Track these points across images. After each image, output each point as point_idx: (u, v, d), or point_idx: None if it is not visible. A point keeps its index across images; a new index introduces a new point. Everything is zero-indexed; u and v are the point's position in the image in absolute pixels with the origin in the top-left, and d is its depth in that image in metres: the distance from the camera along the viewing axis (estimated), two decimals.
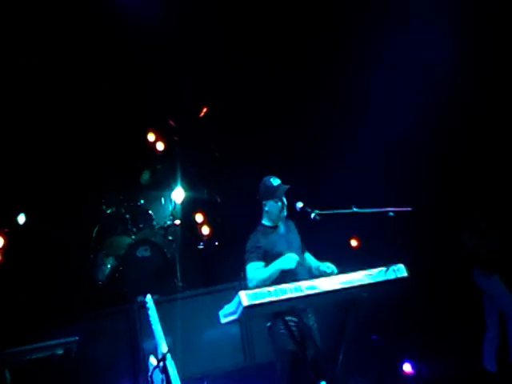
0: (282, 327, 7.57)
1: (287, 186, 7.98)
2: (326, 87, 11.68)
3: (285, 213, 8.01)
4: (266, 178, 8.04)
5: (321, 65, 11.66)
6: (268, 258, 7.85)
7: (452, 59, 10.54)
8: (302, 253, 8.01)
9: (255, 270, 7.66)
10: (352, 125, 11.26)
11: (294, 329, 7.44)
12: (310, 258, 8.11)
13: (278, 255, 7.74)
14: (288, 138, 11.92)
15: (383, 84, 10.89)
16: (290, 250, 7.80)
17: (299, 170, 11.43)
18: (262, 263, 7.69)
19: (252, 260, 7.73)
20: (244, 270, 7.81)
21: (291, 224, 8.18)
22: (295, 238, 8.03)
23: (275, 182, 7.98)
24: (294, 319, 7.48)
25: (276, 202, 8.02)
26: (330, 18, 11.48)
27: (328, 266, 7.71)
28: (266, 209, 8.07)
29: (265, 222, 8.09)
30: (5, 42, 10.81)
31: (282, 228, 8.08)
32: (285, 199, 8.00)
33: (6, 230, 10.88)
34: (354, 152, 11.25)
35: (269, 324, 7.67)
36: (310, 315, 7.70)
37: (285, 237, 7.99)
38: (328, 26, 11.52)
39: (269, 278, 7.43)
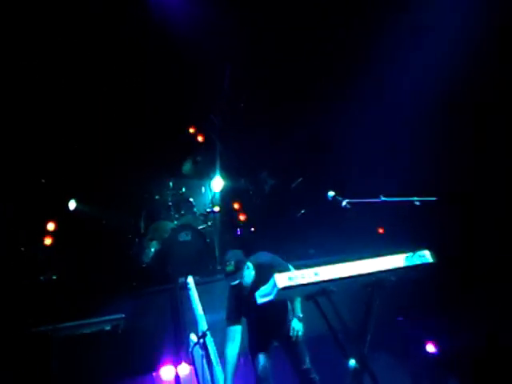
0: None
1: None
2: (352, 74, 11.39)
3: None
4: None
5: (345, 53, 11.48)
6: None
7: None
8: None
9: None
10: (379, 118, 11.05)
11: None
12: None
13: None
14: (316, 133, 11.85)
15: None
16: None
17: (329, 162, 11.49)
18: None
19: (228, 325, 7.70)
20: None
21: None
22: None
23: None
24: None
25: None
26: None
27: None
28: None
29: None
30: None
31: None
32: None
33: (56, 217, 10.82)
34: (381, 143, 11.14)
35: None
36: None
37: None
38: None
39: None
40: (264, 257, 7.95)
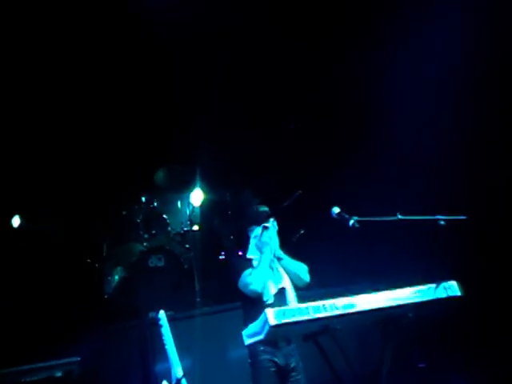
0: (261, 368, 7.92)
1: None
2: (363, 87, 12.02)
3: None
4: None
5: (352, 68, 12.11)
6: None
7: None
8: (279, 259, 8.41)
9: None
10: (396, 120, 11.37)
11: (272, 369, 7.82)
12: None
13: None
14: (322, 137, 12.23)
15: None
16: None
17: (336, 173, 11.73)
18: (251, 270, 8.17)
19: (243, 271, 8.22)
20: None
21: None
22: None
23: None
24: (273, 359, 7.87)
25: None
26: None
27: None
28: None
29: None
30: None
31: None
32: None
33: None
34: (398, 152, 11.37)
35: (249, 361, 8.05)
36: (293, 353, 7.94)
37: None
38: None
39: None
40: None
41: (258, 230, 8.41)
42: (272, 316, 6.80)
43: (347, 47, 12.05)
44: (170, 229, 12.05)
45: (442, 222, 7.36)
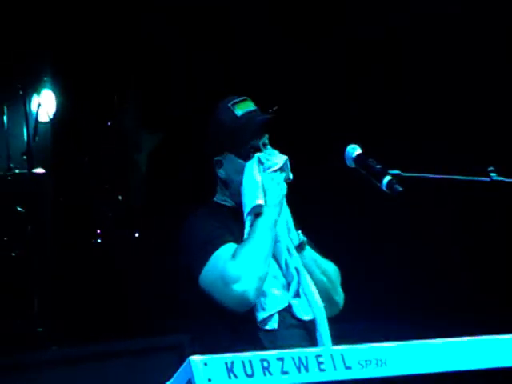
0: None
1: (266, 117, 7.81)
2: None
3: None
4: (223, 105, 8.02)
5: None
6: None
7: None
8: (299, 250, 7.92)
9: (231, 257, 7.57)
10: None
11: None
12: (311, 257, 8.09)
13: None
14: None
15: None
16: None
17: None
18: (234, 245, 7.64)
19: (217, 247, 7.48)
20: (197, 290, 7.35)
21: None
22: (283, 228, 7.88)
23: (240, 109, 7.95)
24: None
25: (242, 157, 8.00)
26: None
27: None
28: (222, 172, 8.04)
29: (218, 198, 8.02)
30: None
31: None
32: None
33: None
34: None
35: None
36: None
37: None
38: None
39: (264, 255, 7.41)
40: None
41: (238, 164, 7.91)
42: (201, 371, 5.92)
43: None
44: None
45: None
